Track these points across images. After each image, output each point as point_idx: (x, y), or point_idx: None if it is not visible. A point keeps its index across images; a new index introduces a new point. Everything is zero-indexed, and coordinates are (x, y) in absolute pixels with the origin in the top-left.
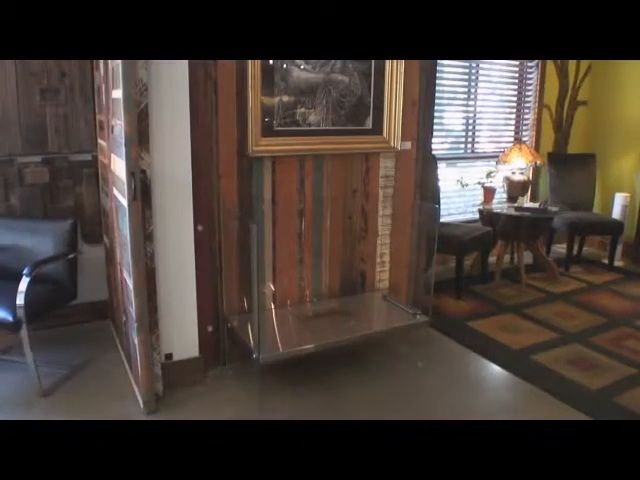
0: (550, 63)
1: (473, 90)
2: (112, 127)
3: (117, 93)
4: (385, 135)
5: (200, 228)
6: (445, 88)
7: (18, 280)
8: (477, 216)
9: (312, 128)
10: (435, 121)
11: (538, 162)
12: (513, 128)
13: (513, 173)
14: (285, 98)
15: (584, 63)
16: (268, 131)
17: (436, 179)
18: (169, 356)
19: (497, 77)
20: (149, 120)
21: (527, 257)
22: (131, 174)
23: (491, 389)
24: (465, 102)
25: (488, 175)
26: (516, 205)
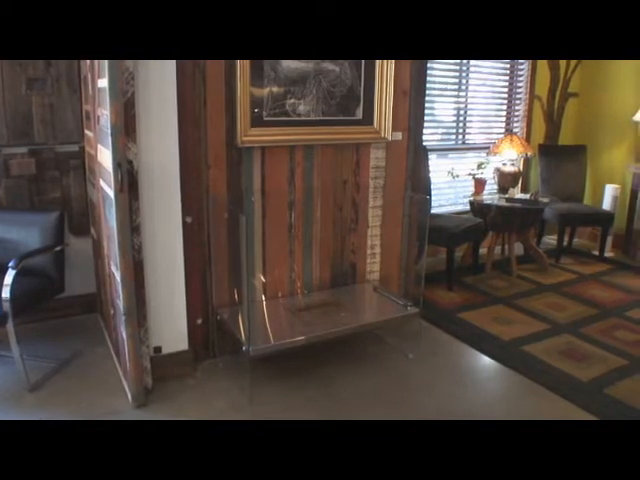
0: None
1: (464, 81)
2: (98, 117)
3: (103, 82)
4: (376, 125)
5: (189, 219)
6: (436, 79)
7: (4, 273)
8: (468, 207)
9: (302, 118)
10: (426, 112)
11: (529, 153)
12: (504, 119)
13: (504, 164)
14: (275, 88)
15: None
16: (257, 121)
17: (427, 170)
18: (158, 349)
19: (488, 68)
20: (136, 110)
21: (518, 248)
22: (118, 165)
23: (482, 380)
24: (456, 93)
25: (479, 166)
26: (507, 196)
